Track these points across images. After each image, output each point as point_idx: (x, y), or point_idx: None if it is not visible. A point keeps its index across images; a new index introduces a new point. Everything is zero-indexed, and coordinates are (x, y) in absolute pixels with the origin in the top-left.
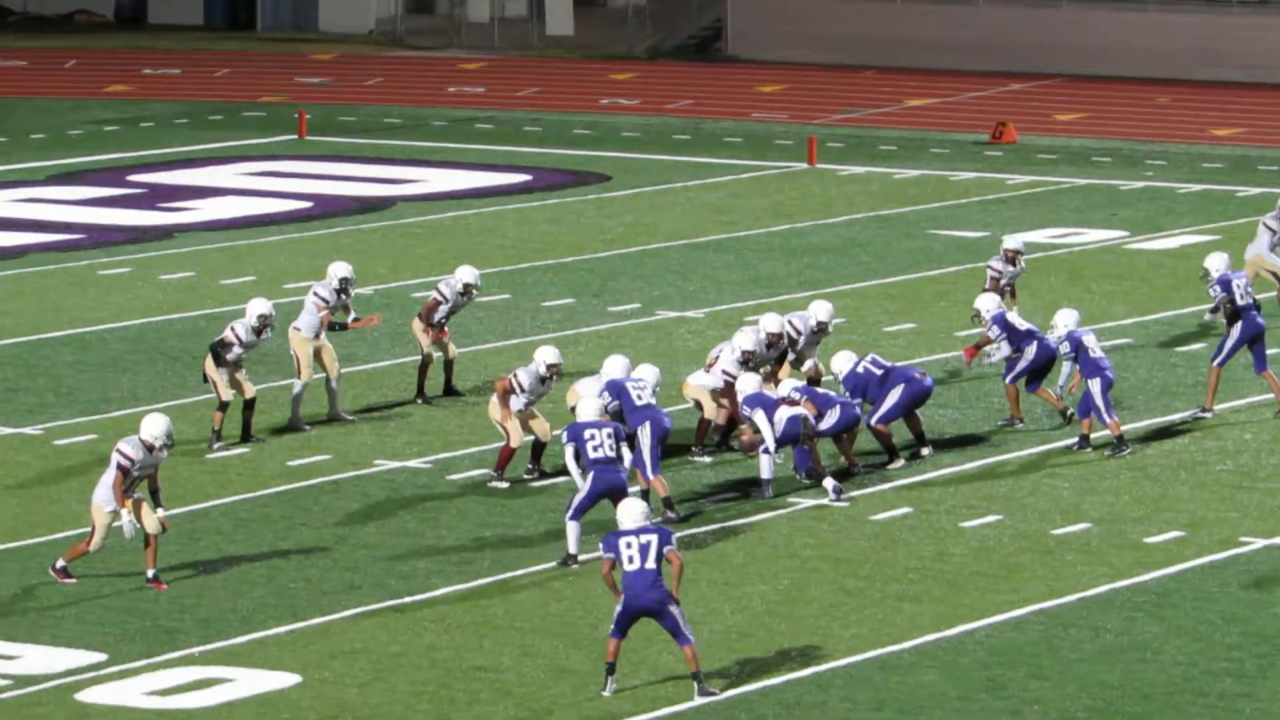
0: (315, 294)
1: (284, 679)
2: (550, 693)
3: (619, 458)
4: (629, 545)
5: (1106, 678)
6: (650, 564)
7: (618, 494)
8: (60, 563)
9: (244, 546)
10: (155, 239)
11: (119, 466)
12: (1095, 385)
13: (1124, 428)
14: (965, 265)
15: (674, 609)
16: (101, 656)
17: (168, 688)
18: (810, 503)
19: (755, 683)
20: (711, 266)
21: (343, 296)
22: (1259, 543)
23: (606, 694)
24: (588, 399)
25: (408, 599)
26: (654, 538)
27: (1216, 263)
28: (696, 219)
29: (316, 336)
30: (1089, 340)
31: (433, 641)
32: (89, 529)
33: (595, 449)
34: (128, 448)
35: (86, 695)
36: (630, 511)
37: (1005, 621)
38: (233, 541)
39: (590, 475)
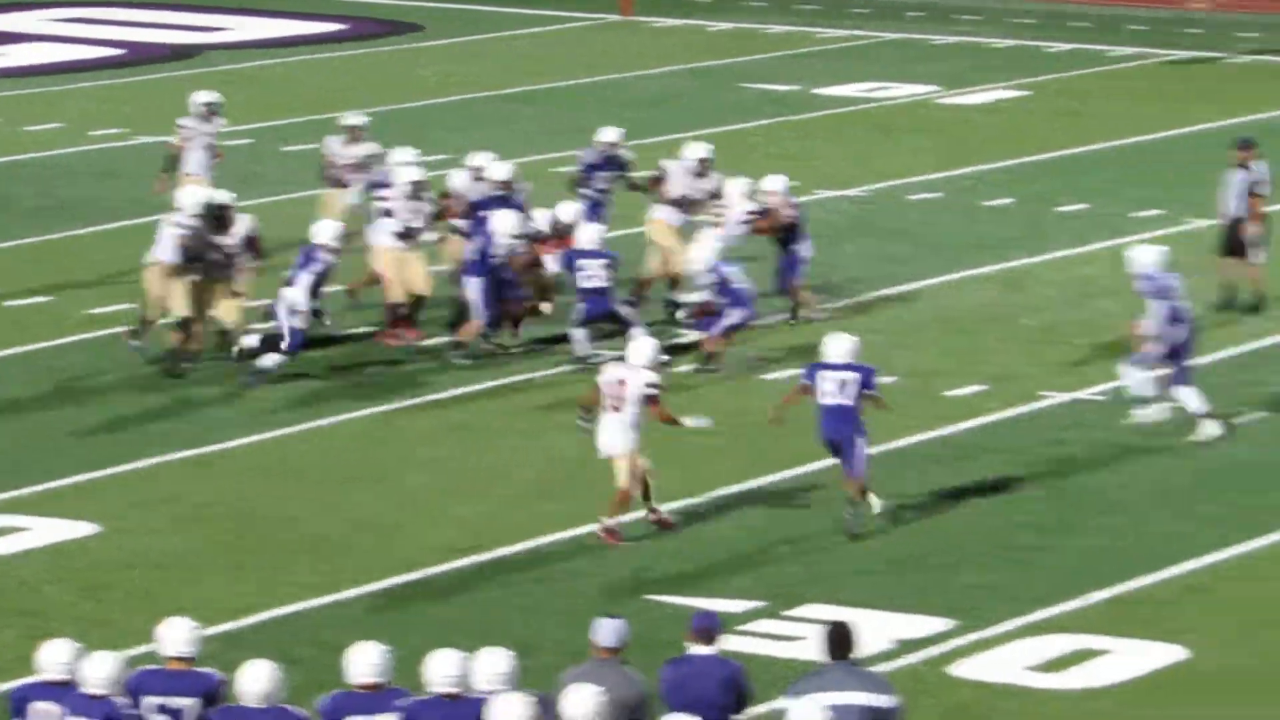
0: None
1: (83, 528)
2: (349, 542)
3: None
4: (825, 379)
5: (906, 529)
6: (847, 400)
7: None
8: None
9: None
10: None
11: None
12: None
13: (931, 280)
14: (776, 118)
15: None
16: None
17: None
18: None
19: (553, 534)
20: (523, 118)
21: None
22: (1059, 397)
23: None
24: (587, 228)
25: (210, 448)
26: (856, 376)
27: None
28: (509, 70)
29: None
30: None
31: (235, 490)
32: None
33: (587, 278)
34: None
35: None
36: (838, 346)
37: (805, 474)
38: (31, 387)
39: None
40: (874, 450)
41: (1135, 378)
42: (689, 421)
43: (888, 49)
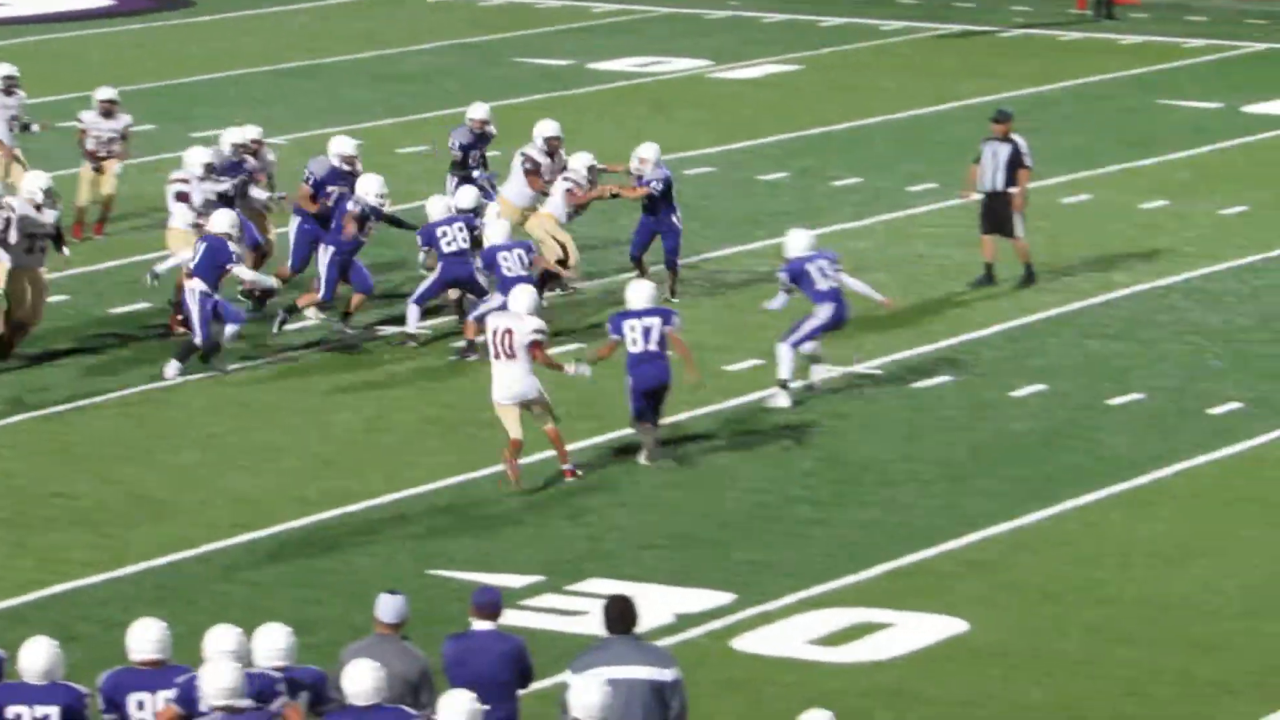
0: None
1: None
2: (128, 519)
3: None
4: (633, 328)
5: (685, 504)
6: (654, 345)
7: (464, 285)
8: None
9: None
10: None
11: None
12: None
13: (708, 255)
14: (551, 94)
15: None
16: None
17: None
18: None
19: (334, 509)
20: (296, 93)
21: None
22: (834, 371)
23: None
24: (435, 200)
25: None
26: (657, 320)
27: None
28: (282, 45)
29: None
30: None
31: (8, 468)
32: None
33: (449, 244)
34: None
35: None
36: (640, 292)
37: (585, 448)
38: None
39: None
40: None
41: (784, 356)
42: (570, 369)
43: (661, 24)
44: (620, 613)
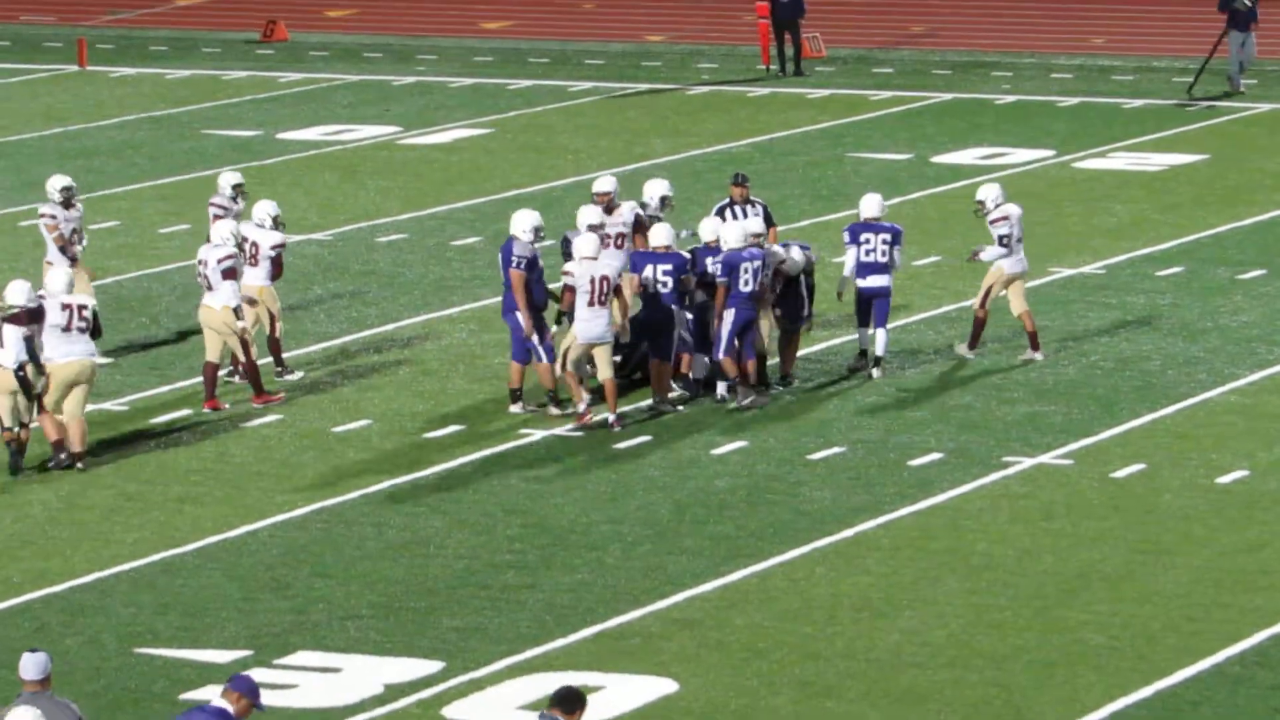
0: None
1: None
2: None
3: None
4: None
5: (390, 573)
6: None
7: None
8: None
9: None
10: None
11: None
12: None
13: (402, 322)
14: (240, 164)
15: None
16: None
17: None
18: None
19: (38, 590)
20: None
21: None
22: (537, 435)
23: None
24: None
25: None
26: None
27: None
28: None
29: None
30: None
31: None
32: None
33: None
34: None
35: None
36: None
37: (288, 520)
38: None
39: None
40: (353, 495)
41: None
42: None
43: (348, 91)
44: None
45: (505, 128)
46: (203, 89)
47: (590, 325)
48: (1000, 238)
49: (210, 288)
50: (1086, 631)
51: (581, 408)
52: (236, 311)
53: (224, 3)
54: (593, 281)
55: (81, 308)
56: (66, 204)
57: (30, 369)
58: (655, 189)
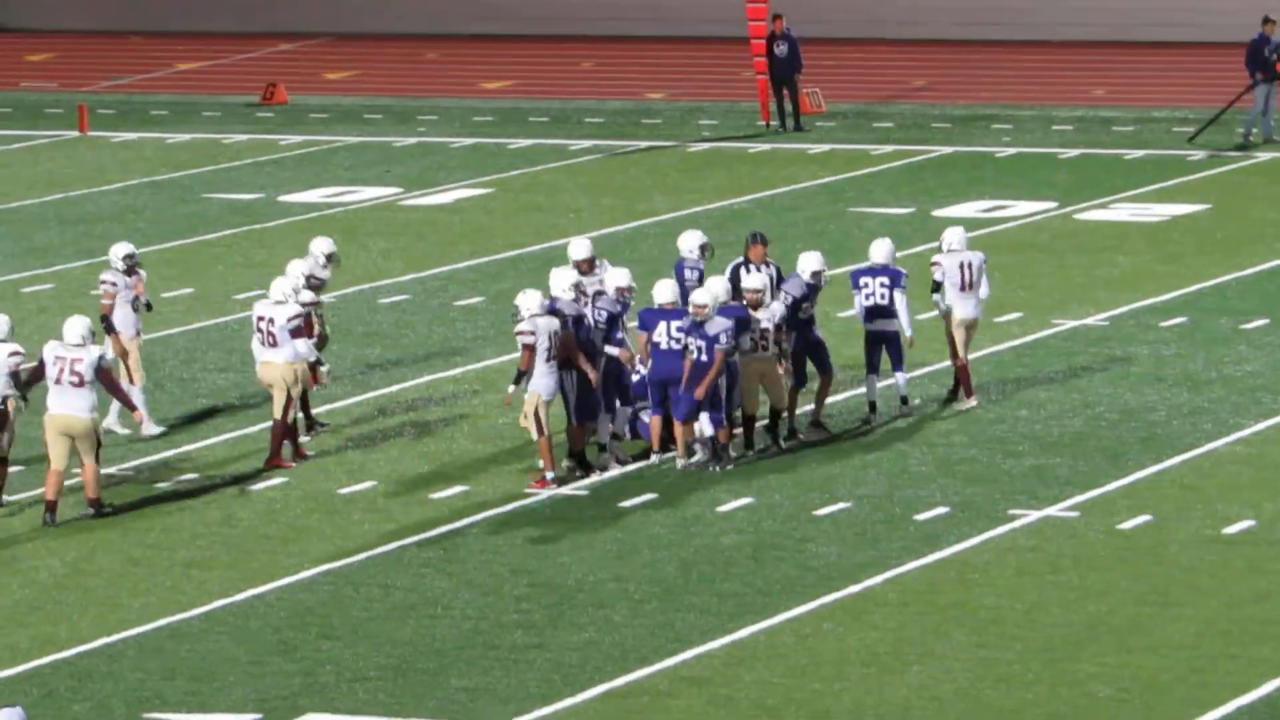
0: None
1: None
2: None
3: None
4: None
5: (398, 635)
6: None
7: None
8: None
9: None
10: None
11: None
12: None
13: (406, 384)
14: (241, 228)
15: None
16: None
17: None
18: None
19: (46, 656)
20: None
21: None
22: (540, 494)
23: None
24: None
25: None
26: None
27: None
28: None
29: None
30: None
31: None
32: None
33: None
34: None
35: None
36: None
37: (295, 583)
38: None
39: None
40: (359, 557)
41: None
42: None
43: (348, 153)
44: None
45: (506, 187)
46: (204, 152)
47: (551, 380)
48: (932, 282)
49: (274, 344)
50: (1095, 684)
51: (550, 475)
52: (313, 367)
53: (224, 67)
54: (550, 337)
55: (75, 361)
56: (129, 271)
57: (12, 403)
58: (691, 240)
